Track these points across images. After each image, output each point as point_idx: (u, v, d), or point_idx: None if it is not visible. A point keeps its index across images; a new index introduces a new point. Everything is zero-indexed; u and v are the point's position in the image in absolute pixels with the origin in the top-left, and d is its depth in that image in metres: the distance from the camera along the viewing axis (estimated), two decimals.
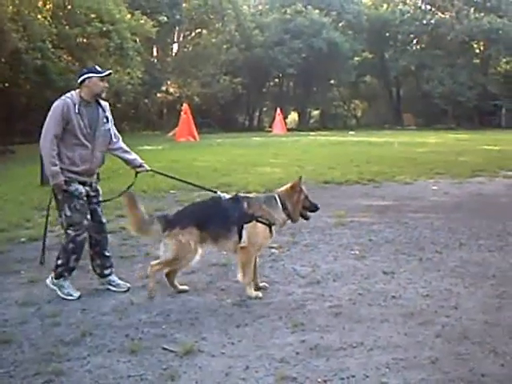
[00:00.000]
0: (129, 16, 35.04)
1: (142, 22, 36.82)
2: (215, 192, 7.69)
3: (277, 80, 70.27)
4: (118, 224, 11.02)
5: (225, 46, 57.91)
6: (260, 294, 7.01)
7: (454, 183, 16.71)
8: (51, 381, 4.90)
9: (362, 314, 6.41)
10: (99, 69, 7.22)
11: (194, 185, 8.72)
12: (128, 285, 7.48)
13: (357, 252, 9.04)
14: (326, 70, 63.01)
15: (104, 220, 7.54)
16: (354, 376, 4.92)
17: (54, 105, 6.99)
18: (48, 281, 7.16)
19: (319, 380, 4.86)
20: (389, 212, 12.36)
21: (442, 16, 64.97)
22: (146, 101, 54.01)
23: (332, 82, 69.24)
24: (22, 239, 10.03)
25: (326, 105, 70.33)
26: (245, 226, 7.01)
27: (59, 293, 7.04)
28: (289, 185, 7.38)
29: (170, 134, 40.36)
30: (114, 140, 7.40)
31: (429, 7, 67.53)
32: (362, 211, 12.44)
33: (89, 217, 7.17)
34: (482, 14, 61.20)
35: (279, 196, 7.27)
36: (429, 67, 62.78)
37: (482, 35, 61.44)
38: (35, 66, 27.29)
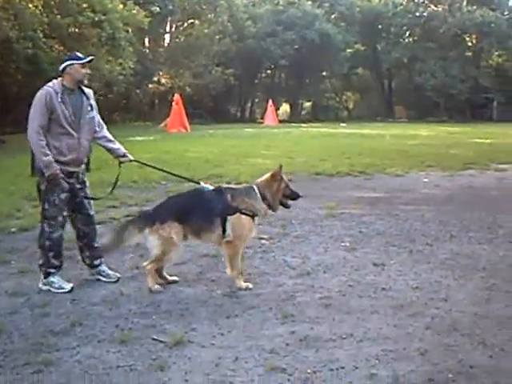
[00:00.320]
0: (121, 6, 34.80)
1: (135, 12, 36.60)
2: (198, 183, 7.65)
3: (269, 71, 70.13)
4: (108, 214, 11.02)
5: (217, 37, 57.68)
6: (250, 285, 7.00)
7: (445, 176, 16.77)
8: (40, 371, 4.89)
9: (351, 305, 6.42)
10: (80, 55, 7.13)
11: (176, 175, 8.71)
12: (118, 275, 7.47)
13: (347, 244, 9.05)
14: (319, 62, 62.92)
15: (92, 212, 7.47)
16: (343, 367, 4.93)
17: (37, 95, 6.91)
18: (40, 285, 7.06)
19: (308, 371, 4.86)
20: (380, 204, 12.38)
21: (435, 9, 65.03)
22: (138, 91, 53.80)
23: (324, 73, 69.15)
24: (13, 229, 9.99)
25: (318, 96, 70.24)
26: (228, 218, 6.96)
27: (52, 289, 6.96)
28: (269, 174, 7.30)
29: (162, 124, 40.27)
30: (98, 129, 7.33)
31: (421, 0, 67.49)
32: (352, 203, 12.45)
33: (65, 213, 7.11)
34: (475, 7, 61.36)
35: (258, 187, 7.21)
36: (421, 60, 62.83)
37: (474, 28, 61.54)
38: (26, 56, 27.13)
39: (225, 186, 7.97)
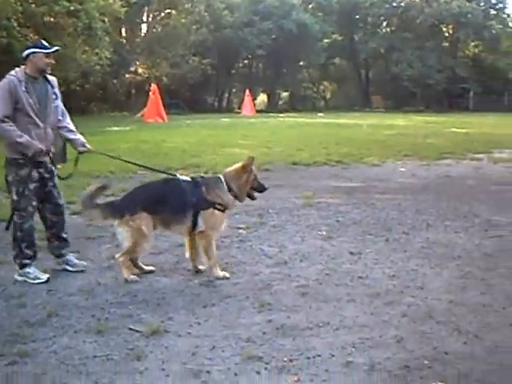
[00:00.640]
0: None
1: (111, 1, 36.42)
2: (174, 175, 7.59)
3: (246, 61, 70.13)
4: None
5: (194, 27, 57.57)
6: (227, 274, 7.00)
7: (422, 165, 16.87)
8: (16, 362, 4.85)
9: (328, 294, 6.43)
10: (46, 44, 7.00)
11: (141, 165, 8.75)
12: (85, 263, 7.45)
13: (324, 233, 9.07)
14: (296, 52, 62.99)
15: (61, 202, 7.36)
16: (319, 355, 4.94)
17: (0, 85, 6.75)
18: (16, 276, 7.00)
19: (285, 359, 4.87)
20: (356, 193, 12.43)
21: None
22: (115, 81, 53.61)
23: (301, 63, 69.25)
24: None
25: (296, 86, 70.32)
26: (201, 212, 6.93)
27: (28, 280, 6.89)
28: (240, 164, 7.22)
29: (139, 114, 40.13)
30: (61, 118, 7.23)
31: None
32: (329, 192, 12.49)
33: (35, 203, 7.02)
34: None
35: (224, 177, 7.15)
36: (398, 50, 63.10)
37: (451, 19, 61.92)
38: (0, 45, 26.92)
39: (197, 175, 7.91)
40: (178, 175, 7.44)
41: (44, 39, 7.85)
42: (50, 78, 7.12)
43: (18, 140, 6.70)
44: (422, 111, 55.84)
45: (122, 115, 45.65)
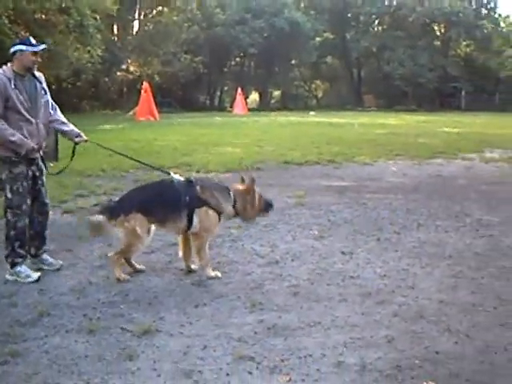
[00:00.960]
0: None
1: None
2: (168, 173, 7.56)
3: (238, 59, 70.06)
4: (76, 203, 10.96)
5: (186, 25, 57.59)
6: (219, 273, 7.00)
7: (413, 164, 16.90)
8: (7, 362, 4.84)
9: (319, 293, 6.45)
10: (33, 41, 6.92)
11: (135, 159, 8.62)
12: (60, 262, 7.43)
13: (315, 232, 9.08)
14: (288, 50, 63.01)
15: (47, 200, 7.36)
16: (311, 355, 4.95)
17: None
18: (7, 275, 6.98)
19: (277, 359, 4.88)
20: (348, 192, 12.44)
21: None
22: (106, 79, 53.53)
23: (293, 62, 69.26)
24: None
25: (287, 85, 70.32)
26: (196, 210, 6.93)
27: (19, 279, 6.88)
28: (243, 186, 7.25)
29: (130, 113, 40.08)
30: (52, 112, 7.23)
31: None
32: (321, 191, 12.50)
33: (29, 201, 7.01)
34: None
35: (233, 192, 7.16)
36: (390, 49, 63.18)
37: (442, 18, 62.07)
38: None
39: (198, 177, 7.94)
40: (172, 174, 7.42)
41: (35, 36, 7.83)
42: (37, 74, 7.09)
43: (11, 139, 6.69)
44: (413, 110, 55.93)
45: (113, 113, 45.58)
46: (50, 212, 7.64)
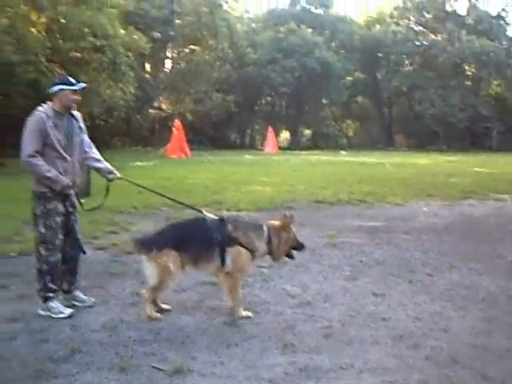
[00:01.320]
0: (122, 31, 34.98)
1: (136, 37, 36.80)
2: (200, 211, 7.59)
3: (269, 98, 70.25)
4: (109, 240, 11.00)
5: (217, 63, 57.99)
6: (250, 313, 6.98)
7: (445, 205, 16.79)
8: None
9: (352, 335, 6.41)
10: (72, 80, 7.09)
11: (169, 197, 8.64)
12: (93, 300, 7.46)
13: (347, 273, 9.05)
14: (319, 90, 63.07)
15: (79, 236, 7.43)
16: None
17: (30, 120, 6.88)
18: (39, 310, 7.03)
19: None
20: (379, 233, 12.38)
21: (435, 37, 65.29)
22: (138, 116, 53.98)
23: (324, 101, 69.28)
24: (12, 253, 9.98)
25: (318, 124, 70.32)
26: (228, 249, 6.91)
27: (51, 315, 6.92)
28: (279, 223, 7.24)
29: (162, 150, 40.32)
30: (87, 149, 7.35)
31: (421, 28, 67.89)
32: (352, 232, 12.45)
33: (61, 237, 7.08)
34: (474, 37, 61.58)
35: (268, 228, 7.17)
36: (421, 88, 62.98)
37: (473, 57, 61.82)
38: (28, 79, 27.26)
39: (232, 216, 7.95)
40: (204, 212, 7.44)
41: (70, 74, 7.96)
42: (75, 112, 7.26)
43: (47, 175, 6.82)
44: (444, 150, 55.62)
45: (145, 150, 45.85)
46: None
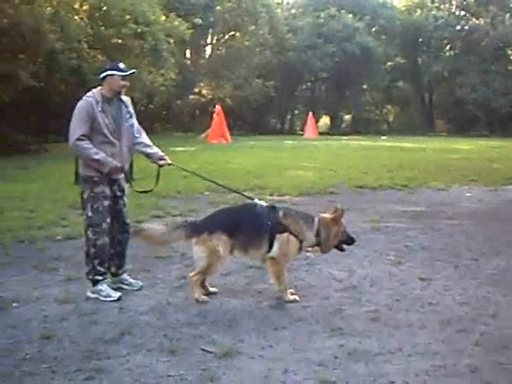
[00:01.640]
0: (163, 18, 35.04)
1: (177, 23, 36.84)
2: (251, 198, 7.62)
3: (309, 83, 70.09)
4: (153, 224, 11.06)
5: (258, 49, 57.94)
6: (297, 297, 6.99)
7: (489, 190, 16.59)
8: (92, 378, 4.94)
9: (399, 319, 6.39)
10: (122, 66, 7.18)
11: (221, 185, 8.62)
12: (140, 283, 7.54)
13: (392, 258, 9.01)
14: (359, 75, 62.79)
15: (128, 221, 7.51)
16: (393, 382, 4.90)
17: (78, 105, 6.98)
18: (88, 293, 7.12)
19: None
20: (423, 218, 12.29)
21: (477, 22, 64.45)
22: (179, 102, 54.21)
23: (364, 86, 68.99)
24: (59, 237, 10.13)
25: (358, 109, 69.87)
26: (277, 236, 6.93)
27: (100, 298, 7.01)
28: (330, 215, 7.23)
29: (203, 135, 40.46)
30: (137, 135, 7.40)
31: (463, 13, 67.10)
32: (396, 216, 12.38)
33: (109, 220, 7.14)
34: None
35: (319, 221, 7.16)
36: (462, 73, 62.29)
37: None
38: (71, 66, 27.47)
39: (282, 205, 7.98)
40: (256, 199, 7.47)
41: (111, 60, 8.02)
42: (124, 98, 7.33)
43: (95, 157, 6.89)
44: (485, 135, 54.97)
45: (185, 136, 46.07)
46: None
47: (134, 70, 7.41)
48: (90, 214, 7.07)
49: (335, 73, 61.39)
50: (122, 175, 7.33)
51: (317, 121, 58.61)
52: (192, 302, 6.89)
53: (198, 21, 45.57)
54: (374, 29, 67.19)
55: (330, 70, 60.79)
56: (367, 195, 15.48)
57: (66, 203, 13.01)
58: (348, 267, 8.45)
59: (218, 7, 54.90)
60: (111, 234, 7.28)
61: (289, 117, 69.82)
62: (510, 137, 50.46)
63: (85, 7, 30.55)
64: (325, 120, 72.78)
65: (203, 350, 5.52)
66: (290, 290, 7.07)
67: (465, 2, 67.20)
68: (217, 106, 39.00)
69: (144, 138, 7.49)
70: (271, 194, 14.69)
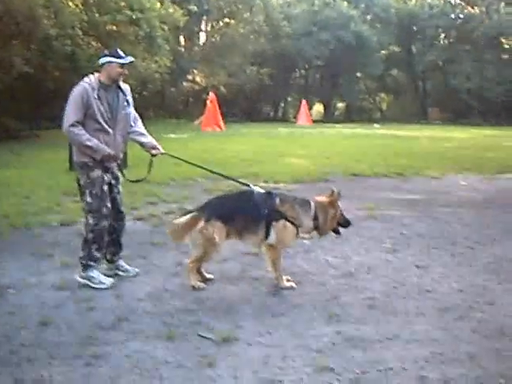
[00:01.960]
0: (158, 5, 34.82)
1: (172, 10, 36.67)
2: (248, 185, 7.57)
3: (303, 71, 70.01)
4: (148, 211, 11.06)
5: (252, 37, 57.77)
6: (294, 284, 7.00)
7: (483, 179, 16.61)
8: (91, 364, 4.94)
9: (396, 306, 6.40)
10: (121, 53, 7.07)
11: (216, 172, 8.48)
12: (136, 270, 7.51)
13: (388, 245, 9.01)
14: (353, 63, 62.63)
15: (123, 209, 7.45)
16: (391, 368, 4.91)
17: (74, 90, 6.86)
18: (77, 277, 7.05)
19: (357, 371, 4.85)
20: (419, 206, 12.31)
21: (472, 11, 64.40)
22: (173, 89, 54.06)
23: (358, 74, 68.85)
24: (54, 223, 10.10)
25: (352, 97, 69.63)
26: (274, 223, 6.92)
27: (91, 284, 6.94)
28: (327, 199, 7.25)
29: (197, 121, 40.41)
30: (133, 124, 7.33)
31: (458, 1, 66.95)
32: (391, 204, 12.39)
33: (109, 205, 7.08)
34: None
35: (315, 204, 7.17)
36: (456, 62, 62.22)
37: (511, 30, 60.82)
38: (65, 53, 27.31)
39: (279, 191, 7.97)
40: (252, 186, 7.44)
41: (106, 47, 7.96)
42: (123, 85, 7.23)
43: (88, 144, 6.80)
44: (479, 124, 54.90)
45: (179, 122, 45.95)
46: None
47: (132, 59, 7.29)
48: (89, 199, 7.00)
49: (329, 61, 61.31)
50: (116, 163, 7.27)
51: (310, 108, 58.61)
52: (189, 288, 6.88)
53: (193, 8, 45.44)
54: (368, 17, 67.09)
55: (325, 57, 60.72)
56: (362, 183, 15.47)
57: (60, 189, 12.97)
58: (344, 254, 8.46)
59: None
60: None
61: (282, 104, 69.71)
62: (503, 125, 50.60)
63: None
64: (318, 108, 72.72)
65: (201, 336, 5.52)
66: (285, 277, 7.07)
67: None
68: (210, 94, 38.90)
69: (139, 126, 7.42)
70: (266, 182, 14.67)
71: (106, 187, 7.05)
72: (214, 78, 53.28)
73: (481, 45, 62.87)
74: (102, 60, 7.02)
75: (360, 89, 71.40)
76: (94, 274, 7.03)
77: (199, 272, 7.13)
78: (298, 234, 7.11)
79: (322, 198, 7.29)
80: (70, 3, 28.41)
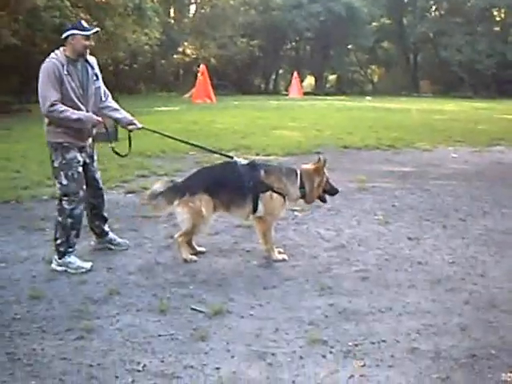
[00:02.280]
0: None
1: None
2: (231, 157, 7.51)
3: (294, 43, 69.73)
4: (139, 184, 11.01)
5: (242, 8, 57.50)
6: (285, 256, 7.00)
7: (474, 151, 16.61)
8: (82, 337, 4.93)
9: (388, 279, 6.40)
10: (85, 25, 6.62)
11: (197, 145, 8.50)
12: (128, 242, 7.46)
13: (380, 217, 9.01)
14: (344, 35, 62.38)
15: (101, 186, 7.22)
16: (384, 341, 4.91)
17: (43, 68, 6.44)
18: (53, 265, 6.72)
19: (350, 344, 4.86)
20: (410, 178, 12.31)
21: None
22: (163, 62, 53.81)
23: (349, 46, 68.61)
24: (45, 197, 10.05)
25: (343, 69, 69.50)
26: (261, 195, 6.89)
27: (69, 270, 6.61)
28: (312, 166, 7.20)
29: (187, 95, 40.26)
30: (104, 98, 7.01)
31: None
32: (383, 177, 12.39)
33: (85, 187, 6.79)
34: None
35: (301, 173, 7.12)
36: (447, 34, 61.98)
37: (502, 2, 60.60)
38: (53, 24, 27.02)
39: (262, 161, 7.91)
40: (235, 158, 7.38)
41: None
42: (91, 59, 6.84)
43: (75, 117, 6.46)
44: (470, 97, 54.83)
45: (169, 95, 45.80)
46: (114, 192, 7.62)
47: (97, 29, 6.89)
48: (64, 182, 6.61)
49: (320, 33, 61.07)
50: (90, 141, 6.97)
51: (301, 81, 58.42)
52: (180, 261, 6.87)
53: None
54: None
55: (315, 29, 60.45)
56: (353, 155, 15.46)
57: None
58: (336, 227, 8.46)
59: None
60: (86, 200, 6.99)
61: (273, 77, 69.41)
62: (493, 98, 50.52)
63: None
64: (309, 80, 72.45)
65: (193, 309, 5.52)
66: (277, 249, 7.07)
67: None
68: (201, 66, 38.66)
69: (110, 101, 7.10)
70: (258, 154, 14.62)
71: (80, 168, 6.74)
72: (205, 50, 53.10)
73: (472, 17, 62.61)
74: (66, 33, 6.56)
75: (351, 61, 71.24)
76: (72, 259, 6.71)
77: (190, 245, 7.11)
78: (285, 203, 7.07)
79: (308, 166, 7.25)
80: None
